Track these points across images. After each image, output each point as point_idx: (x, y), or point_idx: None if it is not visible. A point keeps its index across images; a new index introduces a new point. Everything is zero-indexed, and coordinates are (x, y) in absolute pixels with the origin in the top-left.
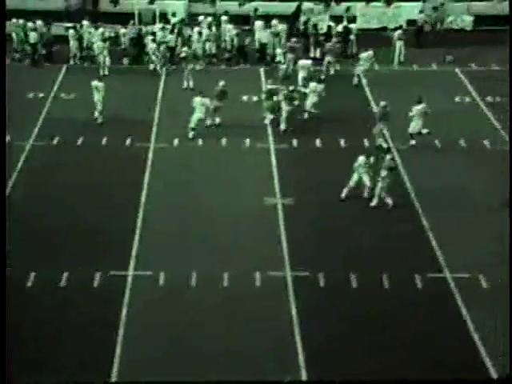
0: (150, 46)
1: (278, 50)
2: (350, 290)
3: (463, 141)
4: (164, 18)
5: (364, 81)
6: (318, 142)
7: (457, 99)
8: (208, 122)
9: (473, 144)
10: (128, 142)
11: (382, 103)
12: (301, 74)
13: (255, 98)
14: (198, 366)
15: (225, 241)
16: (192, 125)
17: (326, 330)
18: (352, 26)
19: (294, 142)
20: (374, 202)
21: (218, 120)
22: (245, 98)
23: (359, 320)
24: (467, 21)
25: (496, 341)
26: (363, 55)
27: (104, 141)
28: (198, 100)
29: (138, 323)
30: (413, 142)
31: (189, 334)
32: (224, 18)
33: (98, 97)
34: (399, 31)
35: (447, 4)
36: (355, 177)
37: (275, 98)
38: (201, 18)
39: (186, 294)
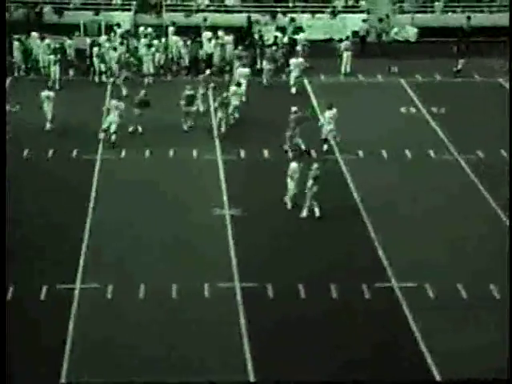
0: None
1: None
2: (299, 301)
3: (408, 151)
4: (110, 29)
5: (310, 91)
6: (266, 153)
7: (402, 110)
8: (130, 128)
9: (418, 154)
10: (75, 153)
11: (293, 108)
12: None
13: (202, 108)
14: (146, 372)
15: (173, 252)
16: (104, 126)
17: (274, 339)
18: (301, 36)
19: (242, 153)
20: (303, 213)
21: (140, 128)
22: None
23: (307, 329)
24: (411, 32)
25: (443, 347)
26: (293, 61)
27: (50, 153)
28: (113, 103)
29: (86, 336)
30: (325, 146)
31: (136, 344)
32: (171, 29)
33: (48, 107)
34: (346, 42)
35: (392, 16)
36: (291, 184)
37: (195, 104)
38: (141, 29)
39: (134, 306)
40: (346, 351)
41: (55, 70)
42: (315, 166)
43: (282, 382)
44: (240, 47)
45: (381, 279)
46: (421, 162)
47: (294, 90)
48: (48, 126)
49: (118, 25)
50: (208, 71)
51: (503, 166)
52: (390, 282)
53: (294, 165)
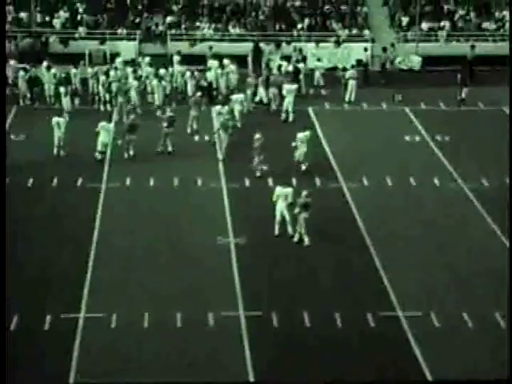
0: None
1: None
2: (303, 329)
3: (413, 179)
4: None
5: (314, 119)
6: (270, 181)
7: (406, 138)
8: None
9: (423, 182)
10: (79, 182)
11: (257, 136)
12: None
13: (206, 138)
14: None
15: (177, 281)
16: (99, 148)
17: (279, 368)
18: (318, 64)
19: (247, 182)
20: (295, 238)
21: (131, 152)
22: (196, 138)
23: (312, 358)
24: (415, 61)
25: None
26: (286, 87)
27: (55, 182)
28: (101, 124)
29: (91, 365)
30: (303, 167)
31: (143, 374)
32: (176, 58)
33: (59, 133)
34: (352, 71)
35: (396, 44)
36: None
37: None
38: (147, 59)
39: (139, 335)
40: (351, 379)
41: (67, 102)
42: (304, 193)
43: (282, 382)
44: (252, 74)
45: (386, 308)
46: (425, 190)
47: (283, 117)
48: (61, 152)
49: (118, 54)
50: (199, 93)
51: (508, 194)
52: (395, 310)
53: (278, 189)
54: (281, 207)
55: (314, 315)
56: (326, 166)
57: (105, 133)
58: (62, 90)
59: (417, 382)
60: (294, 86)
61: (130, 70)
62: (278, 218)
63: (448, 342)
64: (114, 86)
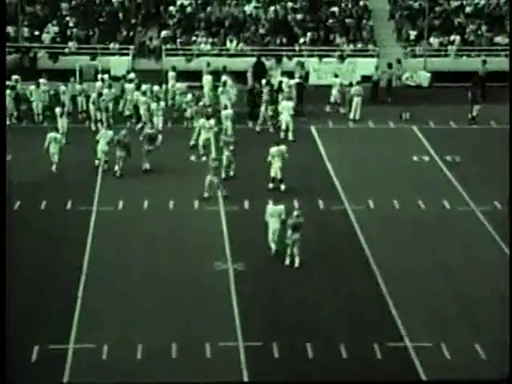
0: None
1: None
2: (306, 361)
3: (422, 201)
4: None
5: (317, 138)
6: (271, 203)
7: (414, 158)
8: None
9: (432, 205)
10: (69, 205)
11: (212, 156)
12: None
13: (204, 158)
14: None
15: (173, 309)
16: (98, 155)
17: None
18: (336, 80)
19: (246, 204)
20: (286, 261)
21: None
22: (193, 157)
23: None
24: (424, 77)
25: None
26: (284, 104)
27: (43, 204)
28: (101, 132)
29: None
30: (282, 186)
31: None
32: (171, 74)
33: (55, 149)
34: (356, 87)
35: (404, 60)
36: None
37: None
38: (131, 75)
39: (133, 366)
40: None
41: (63, 123)
42: (295, 213)
43: (281, 382)
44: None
45: (393, 338)
46: (435, 213)
47: (283, 135)
48: (54, 168)
49: (104, 71)
50: (201, 102)
51: None
52: (403, 340)
53: (269, 206)
54: (274, 227)
55: (317, 345)
56: (329, 188)
57: (103, 141)
58: (57, 110)
59: (417, 382)
60: (291, 104)
61: (129, 85)
62: (270, 236)
63: (459, 374)
64: (104, 104)
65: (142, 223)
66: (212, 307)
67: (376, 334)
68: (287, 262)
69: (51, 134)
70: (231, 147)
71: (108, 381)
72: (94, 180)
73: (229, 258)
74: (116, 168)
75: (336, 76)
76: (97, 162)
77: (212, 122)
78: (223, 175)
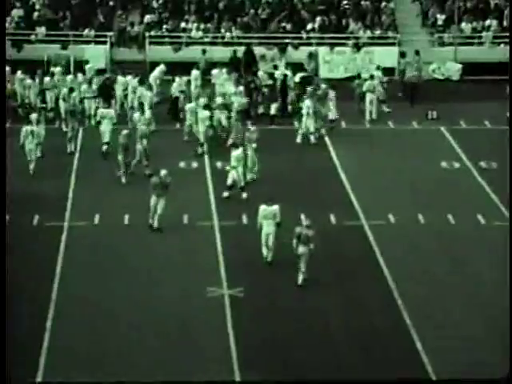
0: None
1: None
2: None
3: (451, 215)
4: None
5: (327, 140)
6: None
7: (443, 164)
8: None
9: (464, 219)
10: (36, 220)
11: (163, 172)
12: None
13: (195, 165)
14: None
15: (160, 342)
16: (104, 140)
17: None
18: (378, 73)
19: (244, 218)
20: (299, 280)
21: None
22: (182, 164)
23: None
24: (454, 69)
25: None
26: (307, 103)
27: (7, 220)
28: (100, 111)
29: None
30: (244, 194)
31: None
32: (160, 68)
33: (31, 144)
34: (370, 82)
35: (431, 50)
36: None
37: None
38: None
39: None
40: None
41: (31, 148)
42: (305, 223)
43: (280, 382)
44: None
45: (415, 368)
46: (467, 230)
47: (313, 139)
48: (31, 167)
49: (87, 61)
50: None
51: None
52: (427, 371)
53: (262, 207)
54: (267, 230)
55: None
56: (343, 200)
57: (106, 121)
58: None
59: (417, 383)
60: (314, 100)
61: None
62: (263, 240)
63: None
64: (86, 103)
65: (122, 242)
66: (205, 338)
67: (395, 366)
68: (299, 279)
69: (26, 128)
70: (254, 145)
71: None
72: (65, 192)
73: (224, 282)
74: (119, 173)
75: (378, 68)
76: (104, 147)
77: (207, 113)
78: (241, 182)
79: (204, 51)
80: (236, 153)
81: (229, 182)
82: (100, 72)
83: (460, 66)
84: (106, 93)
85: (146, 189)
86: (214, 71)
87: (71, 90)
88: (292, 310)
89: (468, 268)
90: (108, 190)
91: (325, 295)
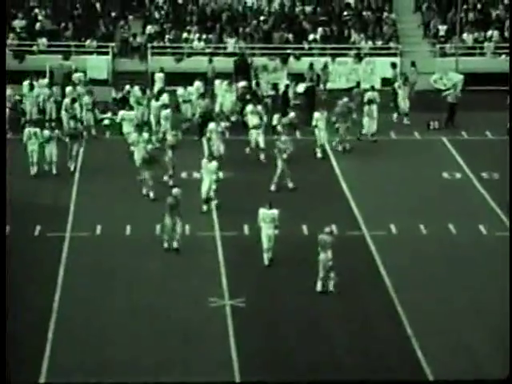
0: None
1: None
2: None
3: (453, 226)
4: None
5: (330, 152)
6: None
7: (445, 175)
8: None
9: (465, 230)
10: (37, 230)
11: (175, 191)
12: None
13: (196, 175)
14: None
15: (160, 354)
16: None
17: None
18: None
19: (245, 228)
20: (318, 287)
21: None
22: (184, 174)
23: None
24: (455, 79)
25: None
26: (317, 115)
27: (8, 230)
28: (121, 113)
29: None
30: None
31: None
32: (159, 76)
33: (34, 146)
34: (372, 92)
35: (433, 60)
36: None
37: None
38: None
39: None
40: None
41: (51, 151)
42: (326, 229)
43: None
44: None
45: (415, 375)
46: (469, 240)
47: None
48: (33, 171)
49: (76, 70)
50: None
51: None
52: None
53: (262, 211)
54: (267, 233)
55: None
56: (345, 210)
57: (127, 122)
58: (45, 132)
59: (417, 382)
60: (325, 113)
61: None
62: (265, 245)
63: None
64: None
65: (124, 252)
66: (206, 349)
67: (396, 375)
68: (318, 287)
69: (29, 129)
70: (284, 156)
71: None
72: (67, 203)
73: (226, 292)
74: (145, 191)
75: (406, 79)
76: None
77: (223, 124)
78: (273, 188)
79: (211, 60)
80: (212, 164)
81: (204, 193)
82: (101, 82)
83: (462, 76)
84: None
85: (147, 199)
86: (217, 82)
87: (73, 100)
88: (293, 319)
89: (469, 277)
90: (109, 200)
91: (326, 304)
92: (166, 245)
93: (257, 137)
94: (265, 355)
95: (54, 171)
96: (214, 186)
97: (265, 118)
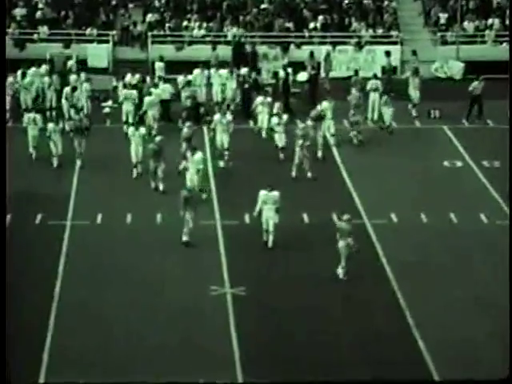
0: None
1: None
2: None
3: (454, 214)
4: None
5: (331, 141)
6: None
7: (446, 163)
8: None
9: (466, 218)
10: (38, 219)
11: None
12: None
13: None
14: None
15: (160, 340)
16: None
17: None
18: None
19: (246, 217)
20: (339, 272)
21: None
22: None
23: None
24: (456, 68)
25: None
26: (325, 104)
27: (8, 218)
28: (124, 92)
29: None
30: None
31: None
32: (159, 64)
33: (34, 131)
34: (374, 81)
35: (433, 48)
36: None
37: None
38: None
39: None
40: None
41: (56, 144)
42: (345, 217)
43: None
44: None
45: (420, 371)
46: (469, 229)
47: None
48: (32, 154)
49: (69, 57)
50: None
51: None
52: (431, 375)
53: (263, 193)
54: (267, 215)
55: None
56: (345, 199)
57: (128, 101)
58: (50, 125)
59: (417, 382)
60: (332, 102)
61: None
62: (266, 228)
63: None
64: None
65: (124, 241)
66: (207, 339)
67: (400, 369)
68: (341, 274)
69: (30, 115)
70: (300, 142)
71: None
72: (68, 192)
73: (226, 281)
74: (154, 185)
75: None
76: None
77: (229, 117)
78: (294, 174)
79: (214, 48)
80: (197, 156)
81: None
82: (102, 71)
83: (462, 64)
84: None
85: (148, 188)
86: (212, 71)
87: (74, 88)
88: (294, 308)
89: (470, 266)
90: (110, 190)
91: (327, 291)
92: (184, 238)
93: (279, 137)
94: (265, 341)
95: (56, 163)
96: (196, 177)
97: (284, 117)
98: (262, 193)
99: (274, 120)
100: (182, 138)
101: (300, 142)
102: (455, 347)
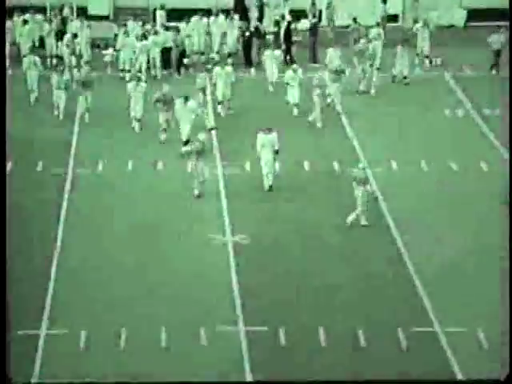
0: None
1: None
2: (318, 349)
3: (454, 163)
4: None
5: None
6: (276, 165)
7: (447, 112)
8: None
9: (466, 166)
10: (40, 167)
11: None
12: None
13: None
14: None
15: (163, 291)
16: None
17: None
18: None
19: (247, 165)
20: (350, 218)
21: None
22: None
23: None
24: (458, 15)
25: None
26: (330, 51)
27: (8, 166)
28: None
29: None
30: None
31: None
32: (160, 12)
33: (34, 76)
34: (376, 29)
35: None
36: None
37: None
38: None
39: (114, 356)
40: None
41: (61, 96)
42: (360, 165)
43: (281, 382)
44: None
45: (422, 322)
46: (470, 177)
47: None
48: (32, 98)
49: (62, 6)
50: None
51: None
52: (432, 326)
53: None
54: (266, 157)
55: (331, 332)
56: (346, 148)
57: (127, 49)
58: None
59: (417, 382)
60: (338, 51)
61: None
62: (265, 170)
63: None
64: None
65: (125, 190)
66: (208, 286)
67: (400, 318)
68: (349, 219)
69: (29, 57)
70: (318, 91)
71: (86, 367)
72: (69, 140)
73: (228, 229)
74: (163, 137)
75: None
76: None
77: (229, 68)
78: (319, 125)
79: None
80: (190, 104)
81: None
82: (102, 18)
83: (465, 12)
84: None
85: (152, 135)
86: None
87: (75, 35)
88: (295, 257)
89: (472, 214)
90: (112, 136)
91: (328, 240)
92: (196, 191)
93: (292, 92)
94: (267, 293)
95: (61, 117)
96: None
97: (300, 72)
98: (260, 136)
99: (289, 73)
100: (197, 87)
101: (317, 91)
102: (460, 301)
